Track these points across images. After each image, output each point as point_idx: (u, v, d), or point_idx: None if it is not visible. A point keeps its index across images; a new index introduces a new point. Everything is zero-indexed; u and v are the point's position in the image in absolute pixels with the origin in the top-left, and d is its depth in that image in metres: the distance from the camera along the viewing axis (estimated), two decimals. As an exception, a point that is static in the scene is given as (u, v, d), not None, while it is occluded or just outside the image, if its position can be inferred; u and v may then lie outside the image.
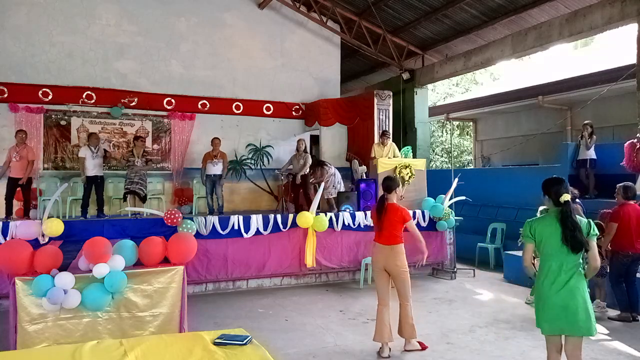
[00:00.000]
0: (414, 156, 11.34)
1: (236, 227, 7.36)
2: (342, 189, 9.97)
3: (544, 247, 3.38)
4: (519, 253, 8.21)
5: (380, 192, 8.99)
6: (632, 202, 5.94)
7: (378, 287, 4.81)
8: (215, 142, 9.47)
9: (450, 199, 8.54)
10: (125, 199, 8.69)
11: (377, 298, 4.82)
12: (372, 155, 9.71)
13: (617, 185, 6.07)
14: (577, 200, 6.44)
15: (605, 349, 4.91)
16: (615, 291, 5.96)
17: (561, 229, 3.30)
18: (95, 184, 8.49)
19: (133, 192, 8.54)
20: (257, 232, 7.48)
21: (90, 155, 8.40)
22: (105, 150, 8.85)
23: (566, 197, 3.35)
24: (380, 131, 10.43)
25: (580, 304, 3.28)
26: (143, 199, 8.67)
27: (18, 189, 8.03)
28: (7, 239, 6.16)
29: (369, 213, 8.26)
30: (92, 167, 8.41)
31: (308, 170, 9.56)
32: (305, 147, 9.98)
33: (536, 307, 3.45)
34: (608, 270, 6.13)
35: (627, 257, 5.87)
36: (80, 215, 8.69)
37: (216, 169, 9.35)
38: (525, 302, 6.67)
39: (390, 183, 4.88)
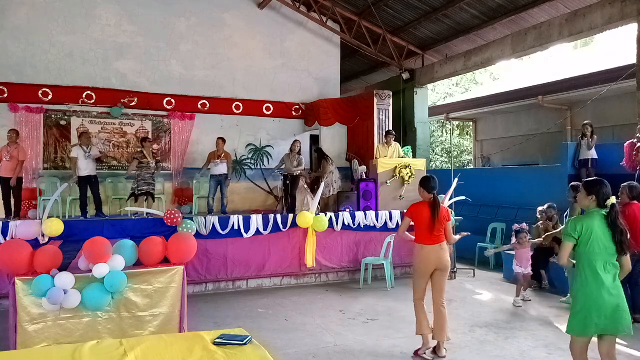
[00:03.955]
0: (414, 156, 11.38)
1: (236, 227, 7.36)
2: (339, 189, 9.98)
3: (590, 246, 3.32)
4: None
5: (383, 192, 9.12)
6: (635, 202, 5.91)
7: (421, 287, 4.75)
8: (219, 142, 9.48)
9: (450, 199, 8.52)
10: (136, 199, 8.72)
11: (416, 296, 4.76)
12: (377, 155, 9.68)
13: (622, 185, 6.03)
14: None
15: (605, 349, 4.90)
16: None
17: (611, 231, 3.33)
18: (89, 184, 8.47)
19: (148, 193, 8.66)
20: (257, 232, 7.48)
21: (82, 155, 8.38)
22: (100, 152, 8.85)
23: (613, 199, 3.39)
24: (384, 131, 10.39)
25: (626, 303, 3.37)
26: (153, 199, 8.85)
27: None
28: (7, 239, 6.17)
29: (369, 213, 8.28)
30: (85, 167, 8.38)
31: (300, 172, 9.61)
32: (300, 149, 9.96)
33: (582, 310, 3.33)
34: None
35: (633, 256, 5.84)
36: (80, 215, 8.70)
37: (220, 169, 9.37)
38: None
39: (435, 183, 4.79)
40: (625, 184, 6.00)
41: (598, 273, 3.30)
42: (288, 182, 9.53)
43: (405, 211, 4.97)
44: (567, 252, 3.39)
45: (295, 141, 9.97)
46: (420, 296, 4.76)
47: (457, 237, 5.15)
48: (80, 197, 8.53)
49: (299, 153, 9.77)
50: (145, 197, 8.71)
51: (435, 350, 4.76)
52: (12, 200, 8.20)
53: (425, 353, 4.66)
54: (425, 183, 4.78)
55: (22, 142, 8.96)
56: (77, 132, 10.25)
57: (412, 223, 4.78)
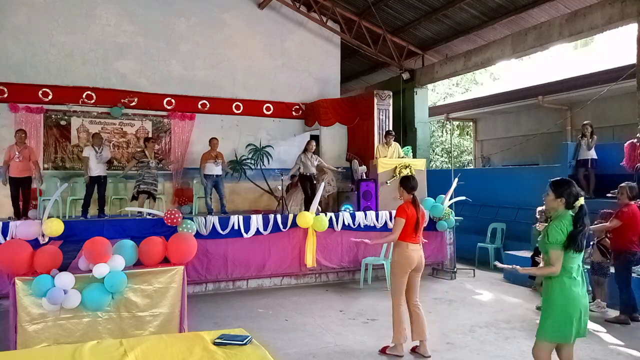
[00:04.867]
0: (414, 156, 11.38)
1: (236, 227, 7.36)
2: (335, 188, 9.96)
3: (572, 251, 3.22)
4: (519, 253, 8.23)
5: (383, 192, 9.12)
6: (633, 202, 5.93)
7: (402, 286, 4.73)
8: (213, 142, 9.48)
9: (450, 199, 8.54)
10: (136, 198, 8.70)
11: (397, 297, 4.72)
12: (377, 156, 9.67)
13: (620, 185, 6.04)
14: None
15: (605, 349, 4.91)
16: (622, 291, 5.85)
17: (577, 231, 3.22)
18: (98, 184, 8.55)
19: (147, 192, 8.64)
20: (257, 232, 7.48)
21: (94, 155, 8.47)
22: (110, 158, 8.89)
23: (582, 200, 3.30)
24: (384, 131, 10.38)
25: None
26: (154, 199, 8.81)
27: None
28: (7, 239, 6.17)
29: (369, 213, 8.28)
30: (96, 167, 8.48)
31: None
32: (315, 148, 9.91)
33: (562, 315, 3.21)
34: (611, 271, 6.11)
35: (634, 256, 5.85)
36: (80, 215, 8.70)
37: (218, 169, 9.36)
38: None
39: (415, 184, 4.87)
40: (624, 184, 6.01)
41: (574, 276, 3.23)
42: (315, 181, 9.39)
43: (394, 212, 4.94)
44: (561, 260, 3.21)
45: (310, 140, 9.86)
46: (401, 299, 4.73)
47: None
48: (85, 196, 8.57)
49: (315, 152, 9.74)
50: (147, 196, 8.70)
51: (415, 350, 4.78)
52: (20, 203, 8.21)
53: (393, 355, 4.67)
54: (405, 183, 4.84)
55: (24, 142, 8.98)
56: (77, 132, 10.32)
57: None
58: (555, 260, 3.22)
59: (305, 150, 9.61)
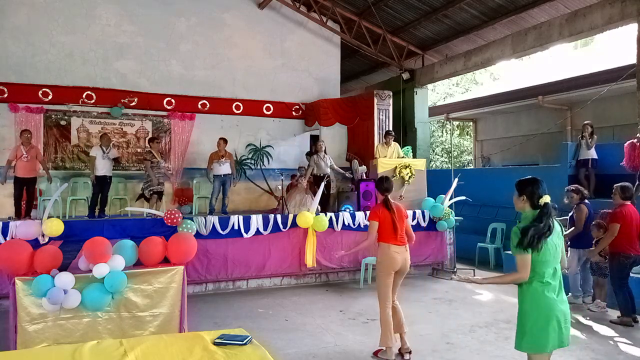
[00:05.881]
0: (414, 156, 11.37)
1: (236, 227, 7.36)
2: (335, 188, 10.01)
3: (542, 255, 2.99)
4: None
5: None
6: (628, 202, 5.92)
7: (388, 287, 4.70)
8: (220, 142, 9.46)
9: (450, 199, 8.54)
10: (147, 199, 8.72)
11: (383, 300, 4.67)
12: (377, 156, 9.69)
13: (614, 185, 6.05)
14: (586, 200, 6.47)
15: (605, 350, 4.90)
16: (618, 294, 5.83)
17: (527, 225, 3.00)
18: (103, 184, 8.59)
19: (158, 193, 8.70)
20: (257, 232, 7.48)
21: (101, 155, 8.51)
22: (116, 158, 8.92)
23: (547, 198, 3.06)
24: (384, 131, 10.40)
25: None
26: (160, 198, 8.88)
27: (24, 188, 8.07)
28: (7, 239, 6.17)
29: (369, 213, 8.25)
30: (102, 167, 8.52)
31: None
32: (325, 148, 9.99)
33: (537, 323, 2.97)
34: (609, 272, 6.11)
35: (628, 258, 5.82)
36: (81, 214, 8.70)
37: (224, 168, 9.34)
38: None
39: (389, 185, 4.93)
40: (618, 184, 6.01)
41: (548, 281, 3.00)
42: (331, 181, 9.47)
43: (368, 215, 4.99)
44: (529, 265, 2.98)
45: (320, 141, 9.96)
46: (388, 301, 4.69)
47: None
48: (92, 196, 8.61)
49: (325, 152, 9.81)
50: (156, 197, 8.72)
51: (400, 350, 4.76)
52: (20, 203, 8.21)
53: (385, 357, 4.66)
54: (379, 184, 4.92)
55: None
56: (77, 132, 10.33)
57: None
58: (521, 266, 3.00)
59: (317, 151, 9.74)
